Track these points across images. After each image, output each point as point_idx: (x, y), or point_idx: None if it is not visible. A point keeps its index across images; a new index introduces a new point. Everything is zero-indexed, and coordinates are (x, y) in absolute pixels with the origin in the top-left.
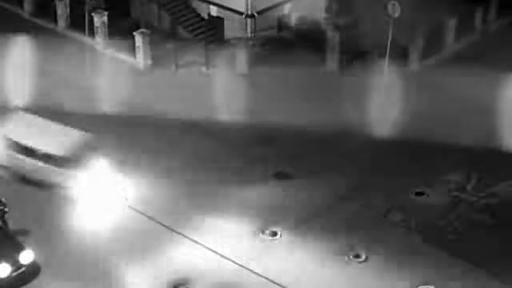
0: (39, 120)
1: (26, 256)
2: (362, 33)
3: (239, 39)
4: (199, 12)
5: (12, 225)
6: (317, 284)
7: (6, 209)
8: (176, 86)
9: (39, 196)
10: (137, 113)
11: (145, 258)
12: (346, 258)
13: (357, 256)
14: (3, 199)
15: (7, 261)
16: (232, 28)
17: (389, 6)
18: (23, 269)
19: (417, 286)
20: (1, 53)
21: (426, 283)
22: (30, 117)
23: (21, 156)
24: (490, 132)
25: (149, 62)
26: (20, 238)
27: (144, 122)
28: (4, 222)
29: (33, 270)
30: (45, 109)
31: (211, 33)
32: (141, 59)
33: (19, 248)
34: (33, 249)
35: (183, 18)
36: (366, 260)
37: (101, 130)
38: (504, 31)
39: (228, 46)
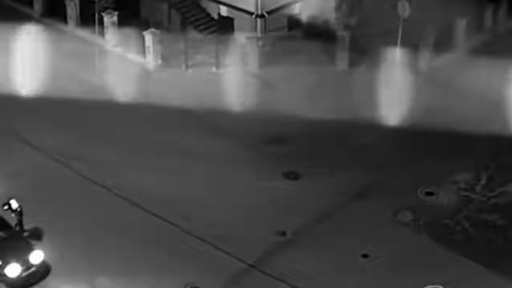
0: None
1: (36, 256)
2: (372, 33)
3: (249, 38)
4: (209, 12)
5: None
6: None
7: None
8: (187, 86)
9: None
10: (146, 111)
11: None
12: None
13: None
14: (11, 202)
15: (17, 261)
16: (242, 28)
17: (399, 6)
18: (33, 269)
19: (426, 286)
20: (12, 52)
21: (434, 283)
22: None
23: None
24: (500, 129)
25: (159, 62)
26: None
27: (154, 121)
28: (20, 221)
29: (43, 270)
30: (55, 108)
31: (221, 32)
32: (151, 59)
33: (29, 248)
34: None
35: (193, 18)
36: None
37: (109, 128)
38: None
39: (238, 45)
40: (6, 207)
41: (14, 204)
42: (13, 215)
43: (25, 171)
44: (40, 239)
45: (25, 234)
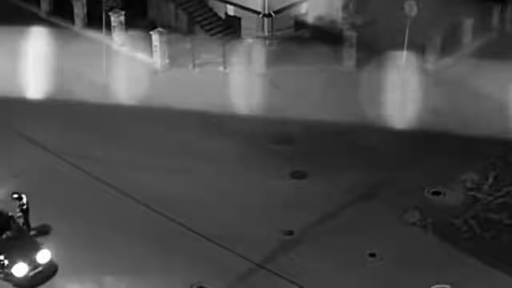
0: None
1: (43, 256)
2: (379, 32)
3: (256, 38)
4: (216, 11)
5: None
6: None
7: (25, 206)
8: (194, 85)
9: None
10: (153, 111)
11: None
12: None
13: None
14: (23, 196)
15: (24, 261)
16: (249, 27)
17: (406, 6)
18: (40, 268)
19: (433, 285)
20: (19, 52)
21: (441, 282)
22: None
23: None
24: (507, 128)
25: (166, 61)
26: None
27: (161, 121)
28: (26, 220)
29: (50, 269)
30: (61, 107)
31: (228, 32)
32: (158, 58)
33: (36, 247)
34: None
35: (200, 18)
36: (381, 259)
37: (116, 127)
38: None
39: (245, 45)
40: (16, 196)
41: (24, 199)
42: (17, 209)
43: (32, 170)
44: (47, 234)
45: (32, 232)
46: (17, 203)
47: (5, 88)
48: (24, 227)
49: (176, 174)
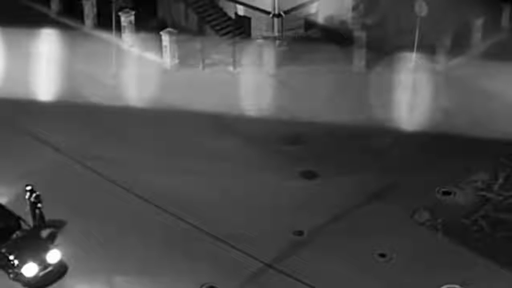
0: None
1: (53, 256)
2: (389, 32)
3: (266, 38)
4: (226, 11)
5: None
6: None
7: (40, 205)
8: (203, 85)
9: None
10: (163, 111)
11: (175, 260)
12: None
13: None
14: (36, 191)
15: (34, 261)
16: (259, 28)
17: (416, 5)
18: (50, 268)
19: (443, 285)
20: (28, 53)
21: (451, 283)
22: None
23: None
24: None
25: (176, 61)
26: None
27: (171, 121)
28: (41, 215)
29: (60, 270)
30: (71, 108)
31: (238, 32)
32: (168, 58)
33: (46, 247)
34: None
35: (210, 18)
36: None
37: (126, 128)
38: None
39: (255, 45)
40: (29, 188)
41: (34, 196)
42: (31, 201)
43: (43, 171)
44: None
45: (48, 229)
46: (30, 195)
47: (15, 89)
48: (37, 221)
49: (185, 174)
